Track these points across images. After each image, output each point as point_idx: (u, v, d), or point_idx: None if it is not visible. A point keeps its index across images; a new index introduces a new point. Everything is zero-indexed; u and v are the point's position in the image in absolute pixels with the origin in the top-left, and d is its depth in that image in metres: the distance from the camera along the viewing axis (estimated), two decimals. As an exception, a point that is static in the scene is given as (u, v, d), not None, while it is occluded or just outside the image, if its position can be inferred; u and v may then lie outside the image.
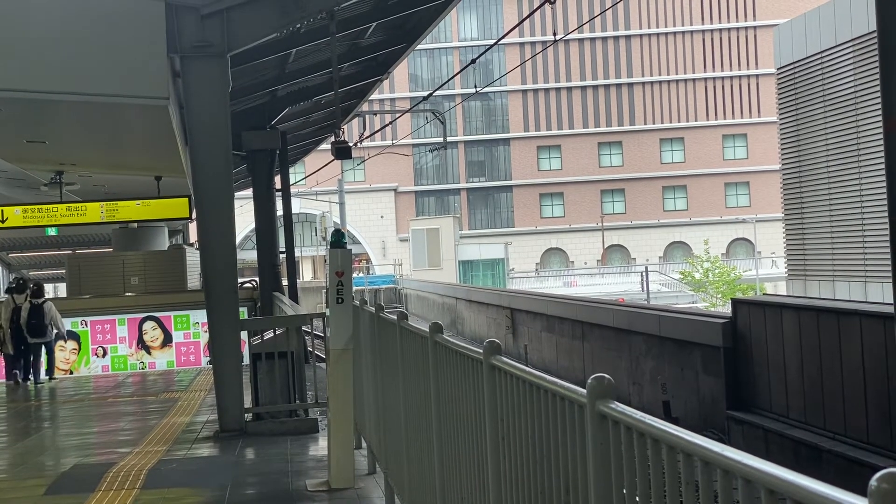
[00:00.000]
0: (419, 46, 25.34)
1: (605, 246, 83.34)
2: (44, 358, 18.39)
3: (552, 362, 24.76)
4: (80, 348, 21.50)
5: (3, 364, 18.88)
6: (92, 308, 21.31)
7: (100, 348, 22.39)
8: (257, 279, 23.77)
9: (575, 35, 77.76)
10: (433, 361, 5.25)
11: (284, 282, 24.45)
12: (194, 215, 14.01)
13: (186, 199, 18.81)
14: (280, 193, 24.52)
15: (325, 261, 20.92)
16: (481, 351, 4.11)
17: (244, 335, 11.98)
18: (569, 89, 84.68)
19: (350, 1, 12.44)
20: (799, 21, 26.41)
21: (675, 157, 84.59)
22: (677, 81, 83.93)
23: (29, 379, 18.24)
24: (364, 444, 9.24)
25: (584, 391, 2.87)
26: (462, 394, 4.61)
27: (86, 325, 20.99)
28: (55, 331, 18.45)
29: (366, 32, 18.21)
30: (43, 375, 18.31)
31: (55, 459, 10.43)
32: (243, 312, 17.56)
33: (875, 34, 9.30)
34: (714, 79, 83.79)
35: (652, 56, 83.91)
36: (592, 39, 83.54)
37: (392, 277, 67.67)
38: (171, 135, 13.55)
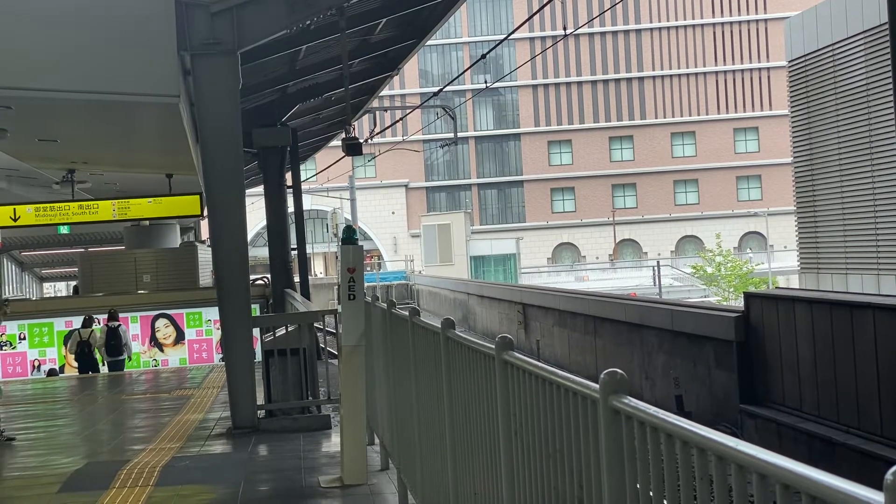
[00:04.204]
0: (429, 42, 25.30)
1: (617, 240, 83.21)
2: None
3: (564, 357, 24.74)
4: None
5: None
6: (104, 306, 21.32)
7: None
8: (269, 276, 23.79)
9: (585, 29, 77.62)
10: (445, 357, 5.24)
11: (296, 278, 24.46)
12: (206, 212, 14.03)
13: (198, 196, 18.83)
14: (291, 190, 24.53)
15: (337, 257, 20.89)
16: (493, 346, 4.10)
17: (256, 332, 11.98)
18: (579, 84, 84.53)
19: (359, -3, 12.43)
20: (810, 13, 26.29)
21: (686, 150, 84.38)
22: (688, 75, 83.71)
23: None
24: (377, 441, 9.24)
25: (597, 386, 2.87)
26: (474, 389, 4.60)
27: (98, 323, 21.01)
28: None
29: (375, 28, 18.20)
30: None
31: (69, 457, 10.46)
32: (255, 309, 17.58)
33: (887, 26, 9.26)
34: (725, 72, 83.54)
35: (662, 50, 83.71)
36: (603, 34, 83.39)
37: (403, 273, 67.60)
38: (181, 132, 13.57)
